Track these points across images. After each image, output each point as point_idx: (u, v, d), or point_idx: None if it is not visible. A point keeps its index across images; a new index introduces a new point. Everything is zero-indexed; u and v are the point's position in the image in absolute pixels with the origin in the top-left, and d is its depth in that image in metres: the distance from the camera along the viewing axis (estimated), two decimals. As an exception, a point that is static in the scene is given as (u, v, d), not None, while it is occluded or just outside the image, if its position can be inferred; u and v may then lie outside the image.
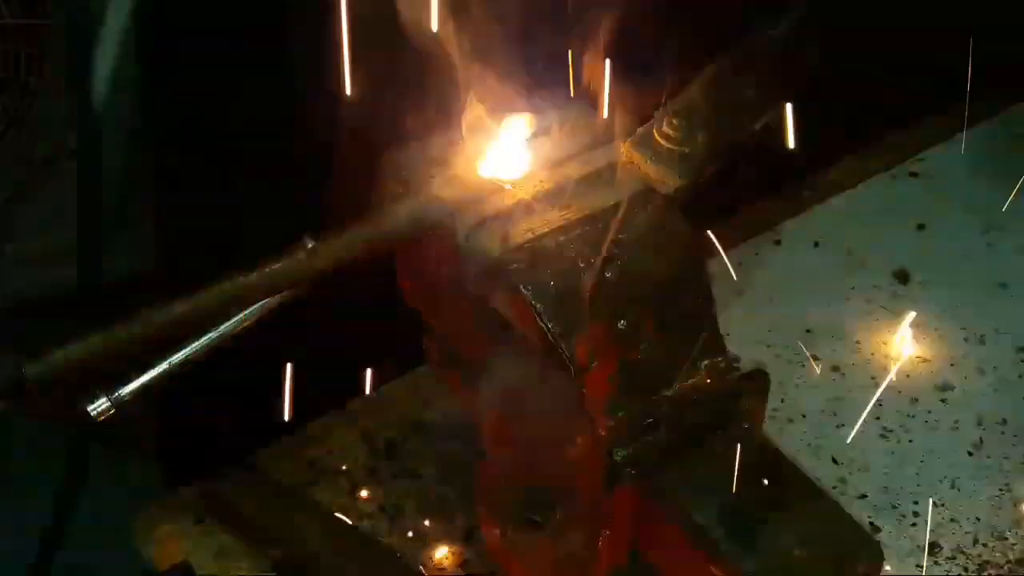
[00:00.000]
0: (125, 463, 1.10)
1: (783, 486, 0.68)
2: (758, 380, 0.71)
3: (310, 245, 0.67)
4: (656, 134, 0.72)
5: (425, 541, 0.79)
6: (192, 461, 0.91)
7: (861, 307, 0.94)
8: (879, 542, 0.67)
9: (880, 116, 1.02)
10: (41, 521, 0.98)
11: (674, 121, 0.72)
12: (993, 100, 1.11)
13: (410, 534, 0.78)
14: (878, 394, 0.88)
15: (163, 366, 0.75)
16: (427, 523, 0.79)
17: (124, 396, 0.73)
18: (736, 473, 0.68)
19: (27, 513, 0.98)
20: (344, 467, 0.81)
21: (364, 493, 0.80)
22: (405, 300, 0.84)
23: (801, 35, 0.81)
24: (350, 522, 0.77)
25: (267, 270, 0.66)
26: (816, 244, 0.98)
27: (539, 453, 0.75)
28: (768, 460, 0.70)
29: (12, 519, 0.96)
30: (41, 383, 0.63)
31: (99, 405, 0.72)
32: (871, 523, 0.80)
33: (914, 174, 1.03)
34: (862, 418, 0.87)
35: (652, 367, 0.70)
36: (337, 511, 0.80)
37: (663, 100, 0.73)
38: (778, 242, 0.98)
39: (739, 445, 0.69)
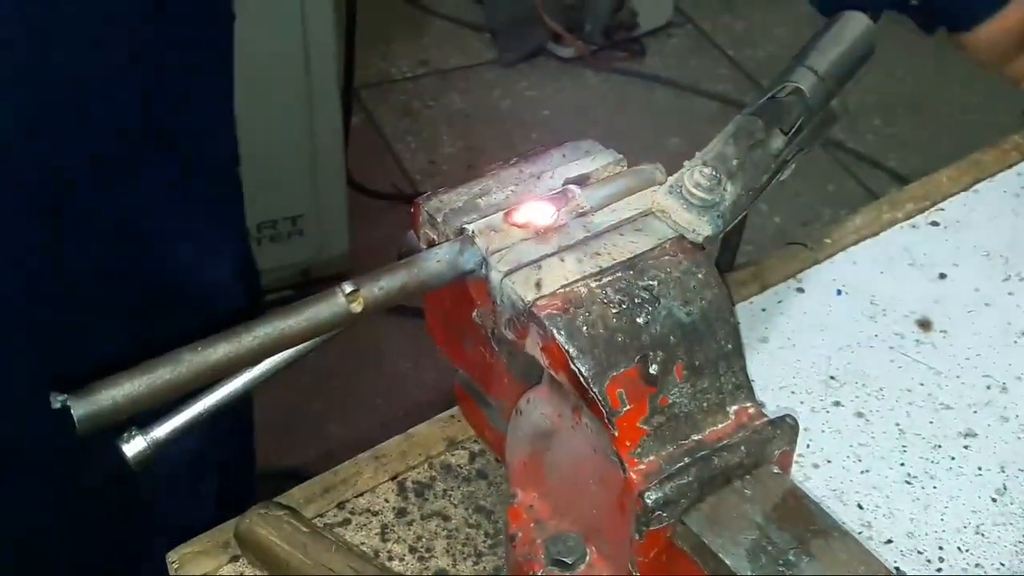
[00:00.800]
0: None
1: (813, 530, 0.69)
2: (787, 425, 0.72)
3: (348, 291, 0.68)
4: (687, 182, 0.74)
5: (455, 583, 0.79)
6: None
7: (884, 354, 0.95)
8: (907, 588, 0.67)
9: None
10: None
11: (705, 170, 0.74)
12: (1011, 150, 1.13)
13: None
14: (903, 440, 0.89)
15: (198, 407, 0.76)
16: (456, 564, 0.80)
17: (160, 438, 0.74)
18: (764, 516, 0.69)
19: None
20: (374, 508, 0.82)
21: (394, 535, 0.81)
22: (434, 341, 0.85)
23: (828, 90, 0.83)
24: (386, 565, 0.77)
25: (307, 316, 0.68)
26: (839, 292, 0.99)
27: (569, 496, 0.76)
28: (797, 504, 0.71)
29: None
30: (90, 424, 0.64)
31: (136, 446, 0.74)
32: (897, 568, 0.81)
33: (935, 223, 1.04)
34: (887, 464, 0.87)
35: (683, 411, 0.71)
36: (368, 552, 0.81)
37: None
38: (801, 290, 0.99)
39: (767, 488, 0.71)
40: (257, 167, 1.27)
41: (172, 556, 0.81)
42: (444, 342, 0.84)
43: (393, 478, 0.85)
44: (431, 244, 0.76)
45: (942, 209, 1.07)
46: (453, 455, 0.87)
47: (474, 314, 0.77)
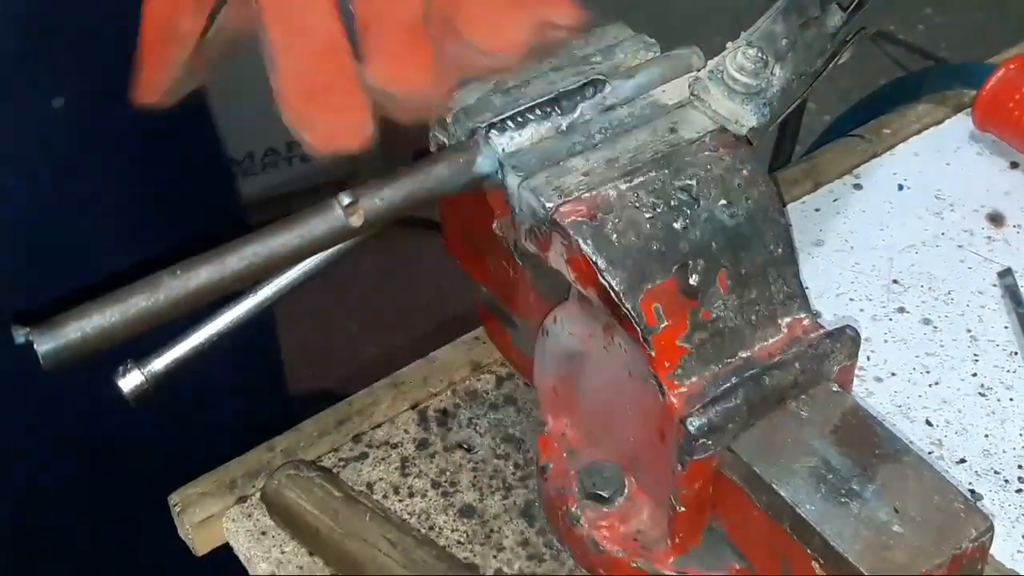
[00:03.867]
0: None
1: (878, 454, 0.62)
2: (847, 337, 0.64)
3: (347, 202, 0.61)
4: (730, 67, 0.65)
5: (481, 518, 0.72)
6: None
7: (952, 254, 0.86)
8: (984, 513, 0.60)
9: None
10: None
11: (750, 52, 0.65)
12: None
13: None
14: (975, 349, 0.81)
15: (200, 335, 0.69)
16: (483, 499, 0.73)
17: (159, 371, 0.68)
18: (823, 440, 0.62)
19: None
20: (393, 440, 0.75)
21: (415, 468, 0.74)
22: (451, 256, 0.78)
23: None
24: (423, 532, 0.71)
25: (300, 232, 0.60)
26: (900, 187, 0.90)
27: (604, 423, 0.69)
28: (860, 425, 0.63)
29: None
30: (56, 360, 0.57)
31: (132, 380, 0.67)
32: (971, 490, 0.73)
33: (1005, 108, 0.94)
34: (958, 375, 0.79)
35: (728, 326, 0.63)
36: (387, 488, 0.74)
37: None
38: (858, 186, 0.90)
39: (825, 409, 0.63)
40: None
41: (174, 498, 0.75)
42: (464, 257, 0.77)
43: (413, 407, 0.78)
44: (441, 148, 0.68)
45: (1013, 93, 0.98)
46: (478, 380, 0.80)
47: (494, 224, 0.70)
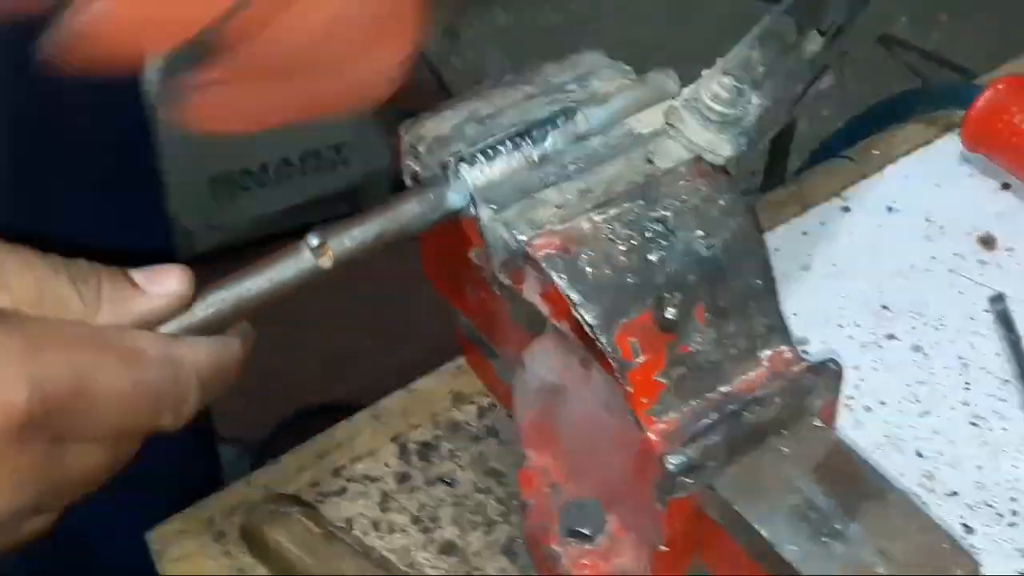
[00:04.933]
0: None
1: (862, 492, 0.60)
2: (830, 371, 0.62)
3: (315, 244, 0.59)
4: (704, 96, 0.64)
5: (462, 555, 0.71)
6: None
7: (943, 279, 0.85)
8: (970, 554, 0.58)
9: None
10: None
11: (725, 80, 0.64)
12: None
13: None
14: (967, 376, 0.79)
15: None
16: (465, 535, 0.72)
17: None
18: (806, 478, 0.60)
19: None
20: (373, 474, 0.74)
21: (395, 503, 0.73)
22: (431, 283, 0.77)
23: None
24: (402, 569, 0.70)
25: (269, 275, 0.59)
26: (889, 209, 0.89)
27: (585, 459, 0.68)
28: (843, 462, 0.62)
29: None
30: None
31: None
32: (964, 524, 0.72)
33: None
34: (949, 404, 0.77)
35: (706, 360, 0.62)
36: (367, 524, 0.73)
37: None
38: (846, 209, 0.89)
39: (808, 446, 0.62)
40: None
41: (152, 536, 0.74)
42: (443, 285, 0.75)
43: (394, 439, 0.77)
44: (415, 178, 0.67)
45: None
46: (460, 411, 0.79)
47: (471, 254, 0.68)
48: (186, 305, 0.57)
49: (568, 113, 0.65)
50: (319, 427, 0.79)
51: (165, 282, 0.57)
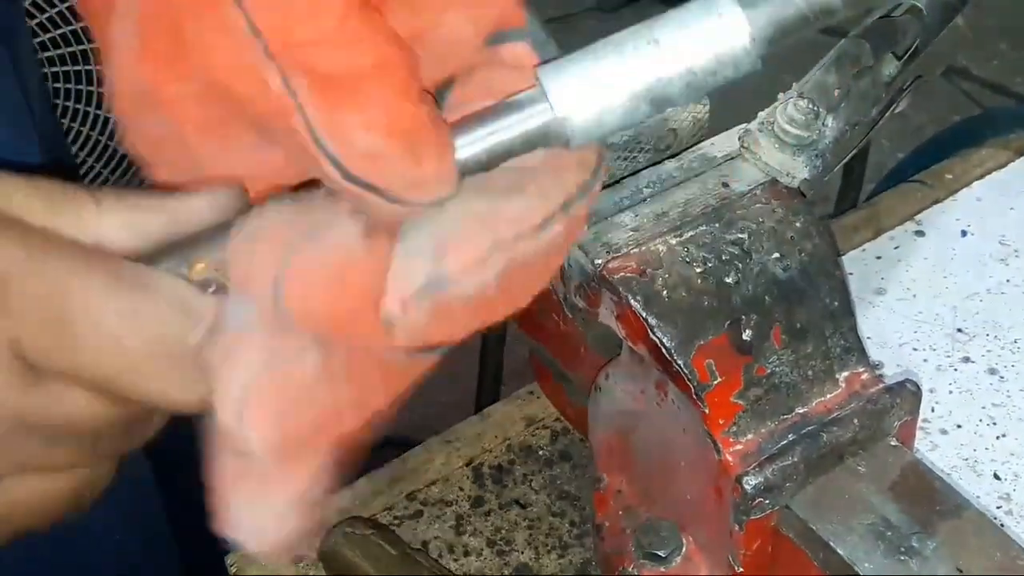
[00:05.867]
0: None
1: (939, 510, 0.60)
2: (908, 392, 0.62)
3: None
4: (780, 118, 0.64)
5: (538, 577, 0.71)
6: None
7: (1018, 301, 0.84)
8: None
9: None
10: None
11: (801, 103, 0.64)
12: None
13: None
14: (1044, 399, 0.78)
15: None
16: (539, 558, 0.72)
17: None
18: (882, 496, 0.60)
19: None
20: (447, 498, 0.74)
21: (470, 526, 0.73)
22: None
23: (950, 7, 0.73)
24: None
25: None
26: (964, 233, 0.88)
27: (660, 480, 0.68)
28: (920, 481, 0.61)
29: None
30: None
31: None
32: (1042, 547, 0.71)
33: (1071, 149, 0.92)
34: (1027, 428, 0.77)
35: (783, 382, 0.62)
36: (442, 547, 0.73)
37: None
38: (920, 232, 0.88)
39: (886, 466, 0.62)
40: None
41: (231, 558, 0.75)
42: (515, 313, 0.76)
43: (468, 463, 0.78)
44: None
45: (1080, 133, 0.95)
46: (533, 435, 0.79)
47: (545, 279, 0.69)
48: None
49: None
50: (385, 459, 0.79)
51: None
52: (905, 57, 0.68)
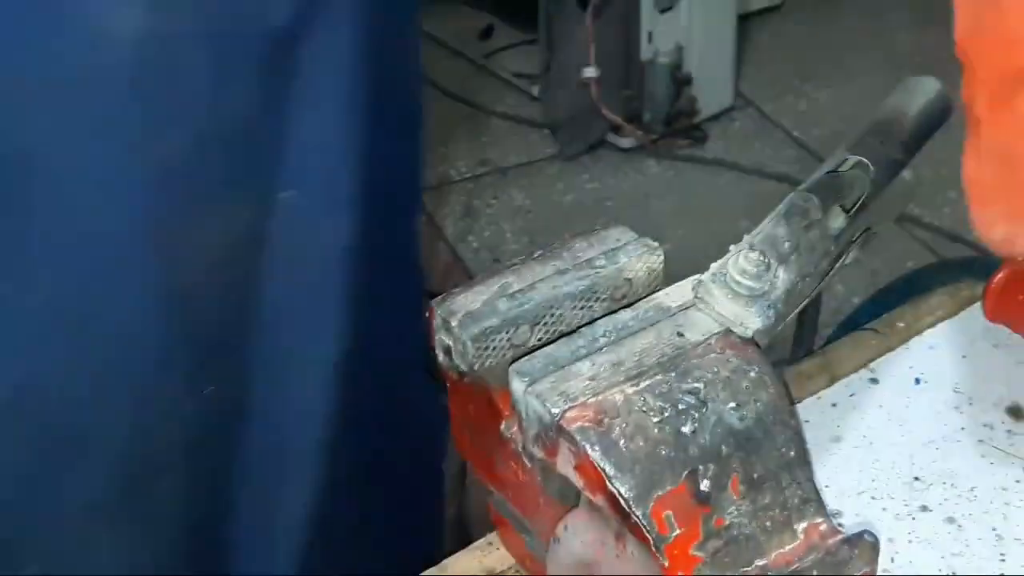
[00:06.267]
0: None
1: (902, 666, 0.60)
2: (866, 543, 0.62)
3: None
4: (732, 270, 0.65)
5: None
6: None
7: (973, 449, 0.85)
8: None
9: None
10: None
11: (752, 255, 0.65)
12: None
13: None
14: (1001, 547, 0.78)
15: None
16: None
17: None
18: (846, 652, 0.60)
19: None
20: (406, 653, 0.73)
21: None
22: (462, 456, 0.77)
23: (897, 161, 0.75)
24: None
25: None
26: (917, 381, 0.89)
27: (619, 633, 0.67)
28: (882, 635, 0.61)
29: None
30: None
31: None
32: None
33: (1019, 299, 0.94)
34: (986, 577, 0.77)
35: (742, 533, 0.61)
36: None
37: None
38: (874, 380, 0.89)
39: (847, 619, 0.61)
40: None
41: None
42: (473, 458, 0.76)
43: (427, 616, 0.76)
44: (447, 351, 0.68)
45: (1027, 282, 0.97)
46: (492, 587, 0.78)
47: (502, 427, 0.69)
48: None
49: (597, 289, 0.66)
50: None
51: None
52: (852, 211, 0.69)
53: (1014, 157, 0.59)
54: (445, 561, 0.79)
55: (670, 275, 0.70)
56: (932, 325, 0.95)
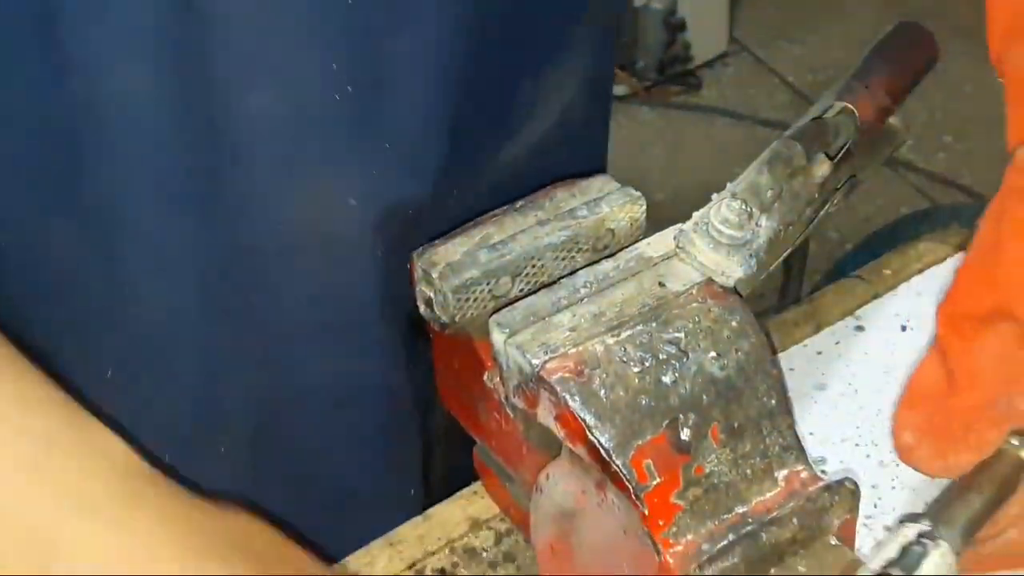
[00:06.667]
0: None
1: (881, 613, 0.60)
2: (846, 490, 0.62)
3: None
4: (714, 219, 0.65)
5: None
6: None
7: (958, 396, 0.84)
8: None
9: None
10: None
11: (734, 204, 0.65)
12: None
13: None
14: (985, 494, 0.78)
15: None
16: (483, 664, 0.70)
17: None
18: (825, 599, 0.60)
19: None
20: (390, 602, 0.73)
21: (412, 631, 0.72)
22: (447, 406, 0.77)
23: (883, 108, 0.74)
24: None
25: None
26: (903, 328, 0.89)
27: (602, 582, 0.67)
28: (862, 582, 0.61)
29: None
30: None
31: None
32: (989, 645, 0.70)
33: (1008, 245, 0.94)
34: (968, 523, 0.77)
35: (722, 481, 0.62)
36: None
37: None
38: (860, 328, 0.89)
39: (827, 566, 0.61)
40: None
41: None
42: (457, 408, 0.76)
43: (411, 566, 0.77)
44: (428, 303, 0.68)
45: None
46: (477, 537, 0.78)
47: (485, 376, 0.69)
48: None
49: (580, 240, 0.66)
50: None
51: None
52: (837, 158, 0.69)
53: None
54: (429, 510, 0.79)
55: (663, 224, 0.69)
56: (919, 272, 0.95)
